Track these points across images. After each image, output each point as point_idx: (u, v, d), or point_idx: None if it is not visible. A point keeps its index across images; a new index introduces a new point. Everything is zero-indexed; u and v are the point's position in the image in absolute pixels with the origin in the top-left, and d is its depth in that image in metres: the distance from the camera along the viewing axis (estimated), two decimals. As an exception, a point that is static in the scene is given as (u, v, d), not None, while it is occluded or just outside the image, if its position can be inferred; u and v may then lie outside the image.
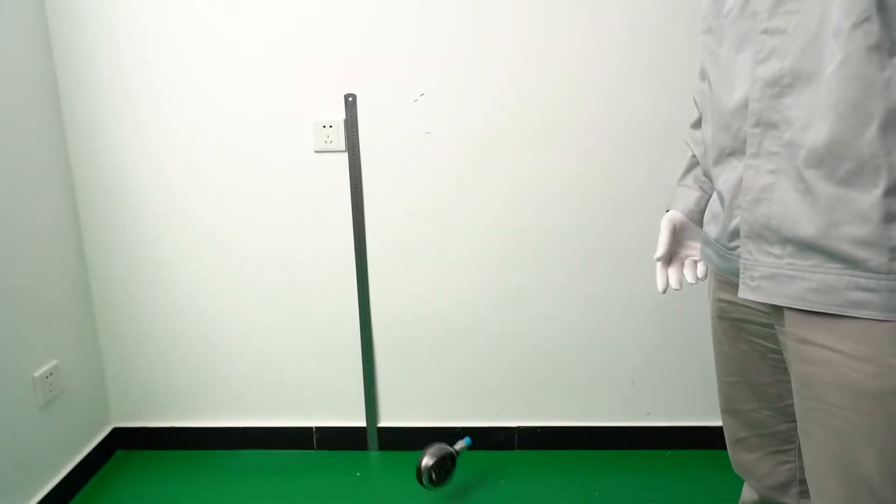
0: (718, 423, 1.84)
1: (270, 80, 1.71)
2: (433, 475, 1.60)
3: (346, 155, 1.74)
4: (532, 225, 1.77)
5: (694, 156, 1.07)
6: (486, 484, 1.77)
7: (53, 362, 1.70)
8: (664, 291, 1.03)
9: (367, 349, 1.87)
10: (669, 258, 1.04)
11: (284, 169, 1.76)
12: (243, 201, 1.79)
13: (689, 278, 1.03)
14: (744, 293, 0.82)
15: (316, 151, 1.74)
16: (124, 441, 1.97)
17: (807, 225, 0.73)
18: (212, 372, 1.92)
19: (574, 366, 1.86)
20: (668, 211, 1.08)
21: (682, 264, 1.05)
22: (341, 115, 1.72)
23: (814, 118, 0.71)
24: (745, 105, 0.78)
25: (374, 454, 1.93)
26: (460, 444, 1.71)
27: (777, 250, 0.77)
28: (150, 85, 1.72)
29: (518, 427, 1.91)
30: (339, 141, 1.73)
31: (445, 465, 1.63)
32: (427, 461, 1.61)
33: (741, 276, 0.82)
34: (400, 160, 1.74)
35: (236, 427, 1.95)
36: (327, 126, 1.72)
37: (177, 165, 1.77)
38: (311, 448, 1.95)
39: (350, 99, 1.71)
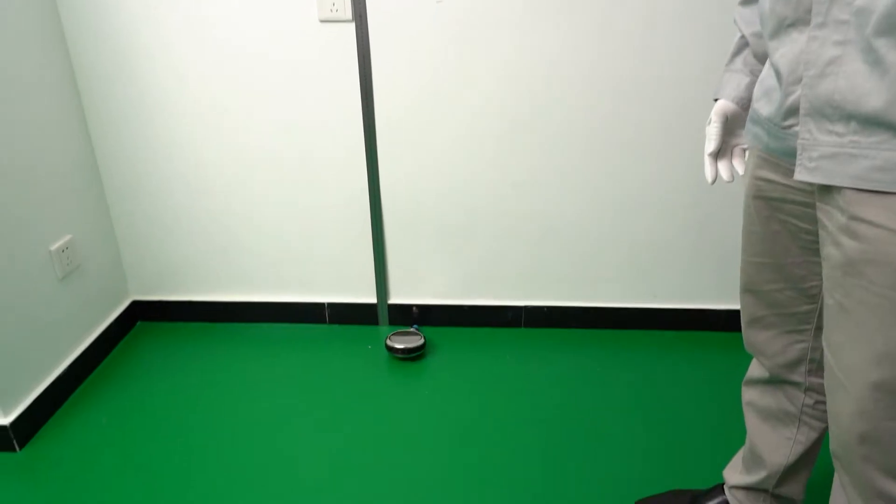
0: (724, 306, 1.90)
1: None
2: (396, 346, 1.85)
3: (353, 25, 1.65)
4: (547, 101, 1.70)
5: (743, 37, 1.00)
6: (492, 359, 1.84)
7: (68, 237, 1.71)
8: (713, 183, 1.01)
9: (377, 227, 1.88)
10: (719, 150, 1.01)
11: (289, 39, 1.67)
12: (247, 74, 1.72)
13: (740, 169, 1.00)
14: (801, 175, 0.78)
15: (321, 21, 1.65)
16: (144, 313, 2.03)
17: (875, 98, 0.68)
18: (224, 249, 1.94)
19: (583, 247, 1.87)
20: (716, 100, 1.02)
21: (732, 153, 1.01)
22: (348, -21, 1.61)
23: None
24: None
25: (384, 329, 1.99)
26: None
27: (839, 128, 0.73)
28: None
29: (525, 306, 1.96)
30: (346, 10, 1.63)
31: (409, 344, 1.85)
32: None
33: (798, 157, 0.78)
34: (410, 30, 1.65)
35: (251, 301, 2.00)
36: (333, -8, 1.62)
37: (179, 36, 1.68)
38: (324, 322, 2.01)
39: (357, -39, 1.59)
